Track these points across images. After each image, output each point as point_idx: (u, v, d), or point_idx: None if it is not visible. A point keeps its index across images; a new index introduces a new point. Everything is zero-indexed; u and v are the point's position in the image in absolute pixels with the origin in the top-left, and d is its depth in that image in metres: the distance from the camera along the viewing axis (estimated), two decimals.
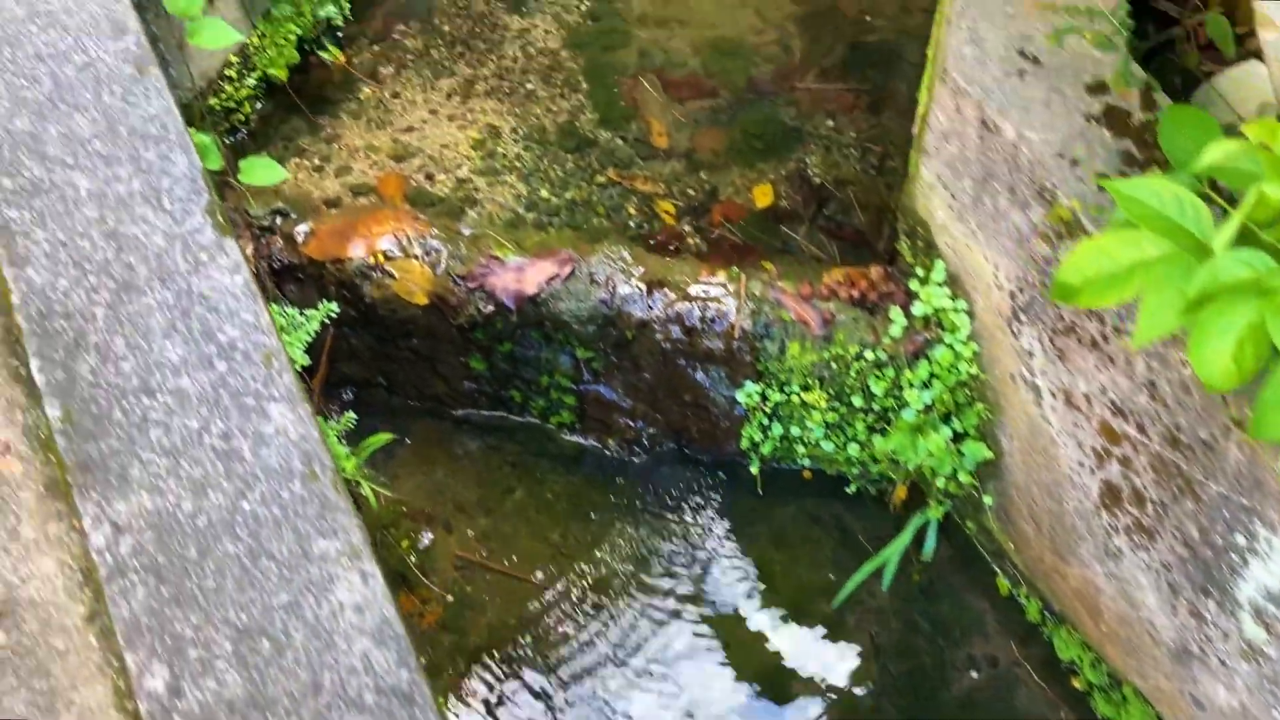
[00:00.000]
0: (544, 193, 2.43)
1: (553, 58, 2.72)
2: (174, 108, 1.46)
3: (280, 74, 2.38)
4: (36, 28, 1.50)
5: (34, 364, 1.25)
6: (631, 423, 2.26)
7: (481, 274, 2.07)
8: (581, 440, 2.34)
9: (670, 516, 2.30)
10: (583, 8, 2.83)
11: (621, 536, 2.29)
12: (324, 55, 2.55)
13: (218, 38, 1.89)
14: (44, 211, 1.35)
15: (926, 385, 1.92)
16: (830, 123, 2.58)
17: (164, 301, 1.30)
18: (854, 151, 2.52)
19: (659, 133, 2.56)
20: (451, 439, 2.42)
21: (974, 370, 1.88)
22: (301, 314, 2.01)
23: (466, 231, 2.14)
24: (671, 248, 2.34)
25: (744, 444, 2.16)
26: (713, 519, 2.30)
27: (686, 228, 2.40)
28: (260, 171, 2.01)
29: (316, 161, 2.45)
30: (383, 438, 2.06)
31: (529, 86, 2.65)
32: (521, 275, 2.07)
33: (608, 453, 2.34)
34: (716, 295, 2.03)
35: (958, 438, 1.97)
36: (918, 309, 1.91)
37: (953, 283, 1.88)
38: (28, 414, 1.33)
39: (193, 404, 1.24)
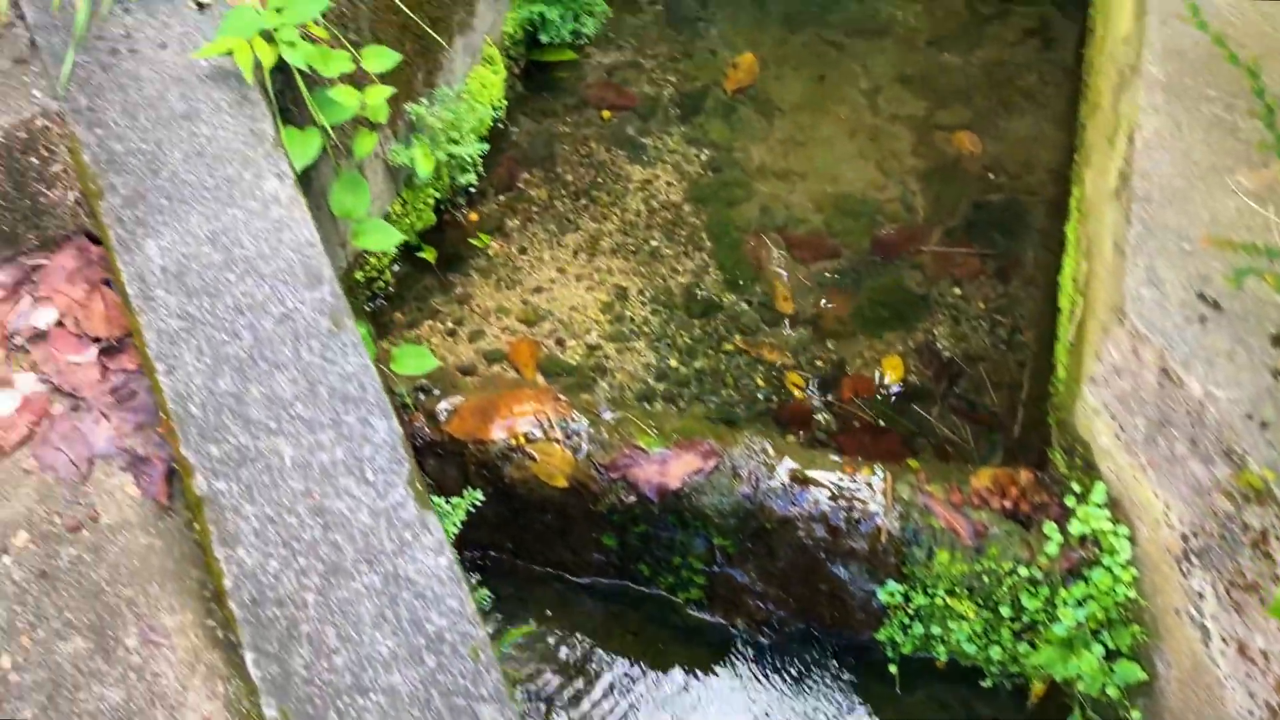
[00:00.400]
0: (673, 361, 2.44)
1: (675, 212, 2.73)
2: (370, 364, 1.48)
3: (429, 257, 2.43)
4: (234, 275, 1.53)
5: (249, 656, 1.26)
6: (762, 604, 2.25)
7: (624, 465, 2.07)
8: (708, 617, 2.33)
9: (797, 697, 2.28)
10: (702, 157, 2.85)
11: (747, 716, 2.27)
12: (463, 225, 2.59)
13: (382, 240, 1.92)
14: (251, 484, 1.36)
15: (1081, 604, 1.90)
16: (957, 290, 2.57)
17: (372, 587, 1.31)
18: (983, 323, 2.51)
19: (784, 297, 2.56)
20: (574, 604, 2.41)
21: (1132, 594, 1.85)
22: (447, 502, 2.03)
23: (608, 415, 2.15)
24: (803, 426, 2.34)
25: (881, 637, 2.13)
26: (840, 702, 2.27)
27: (816, 402, 2.39)
28: (411, 360, 2.03)
29: (450, 324, 2.47)
30: (524, 630, 2.06)
31: (653, 244, 2.66)
32: (665, 468, 2.07)
33: (734, 630, 2.32)
34: (863, 497, 2.02)
35: (1109, 655, 1.94)
36: (1074, 527, 1.89)
37: (1113, 506, 1.86)
38: (229, 684, 1.35)
39: (404, 703, 1.24)
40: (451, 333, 2.46)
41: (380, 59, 1.81)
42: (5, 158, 1.64)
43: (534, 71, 2.96)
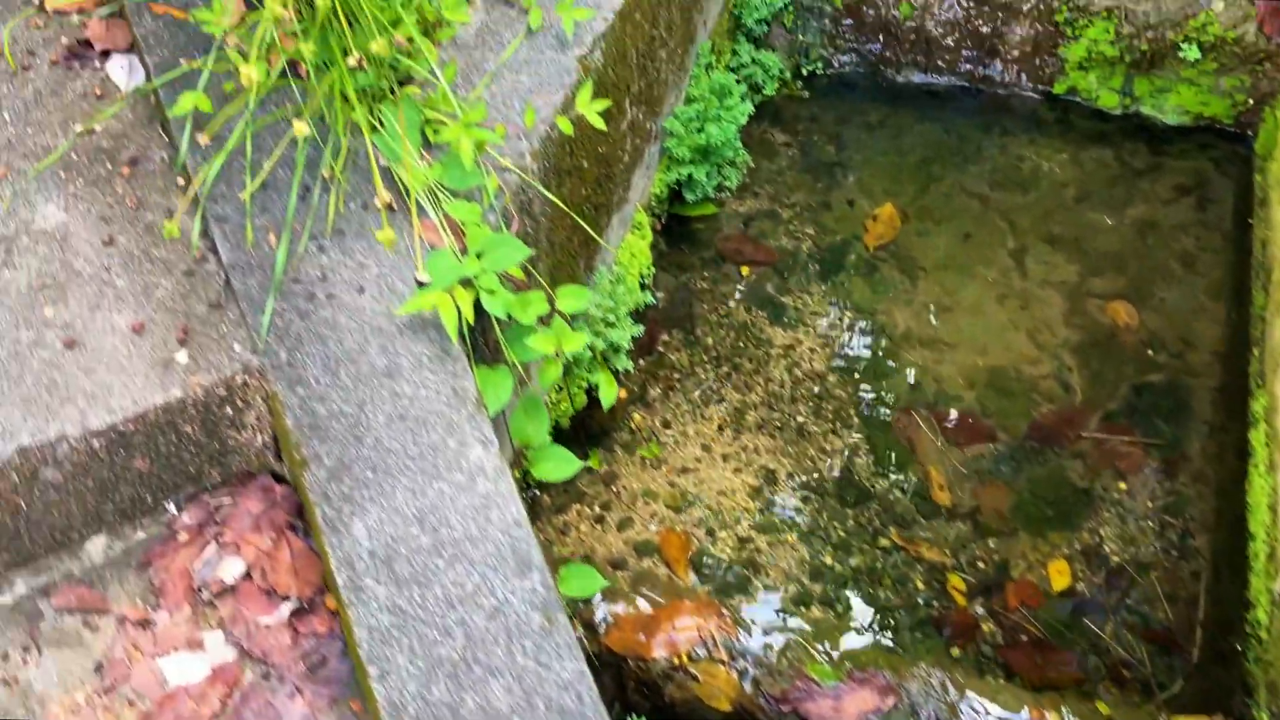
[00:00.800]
0: (827, 557, 2.35)
1: (820, 383, 2.65)
2: (586, 670, 1.41)
3: (595, 464, 2.39)
4: (443, 561, 1.47)
5: None
6: None
7: (796, 698, 1.99)
8: None
9: None
10: (844, 320, 2.76)
11: None
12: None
13: (561, 470, 1.86)
14: None
15: None
16: (1122, 485, 2.46)
17: None
18: (1151, 524, 2.40)
19: (939, 485, 2.47)
20: None
21: None
22: None
23: (774, 641, 2.07)
24: (968, 638, 2.24)
25: None
26: None
27: (979, 609, 2.29)
28: (578, 581, 1.96)
29: (597, 510, 2.40)
30: None
31: (799, 419, 2.58)
32: (839, 704, 1.99)
33: None
34: None
35: None
36: None
37: None
38: None
39: None
40: (599, 519, 2.39)
41: (575, 299, 1.75)
42: (202, 412, 1.60)
43: (672, 224, 2.90)
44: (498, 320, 1.70)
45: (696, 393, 2.62)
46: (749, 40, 3.04)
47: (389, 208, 1.69)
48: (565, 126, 1.80)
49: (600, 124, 1.78)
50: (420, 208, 1.69)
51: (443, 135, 1.69)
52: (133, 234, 1.73)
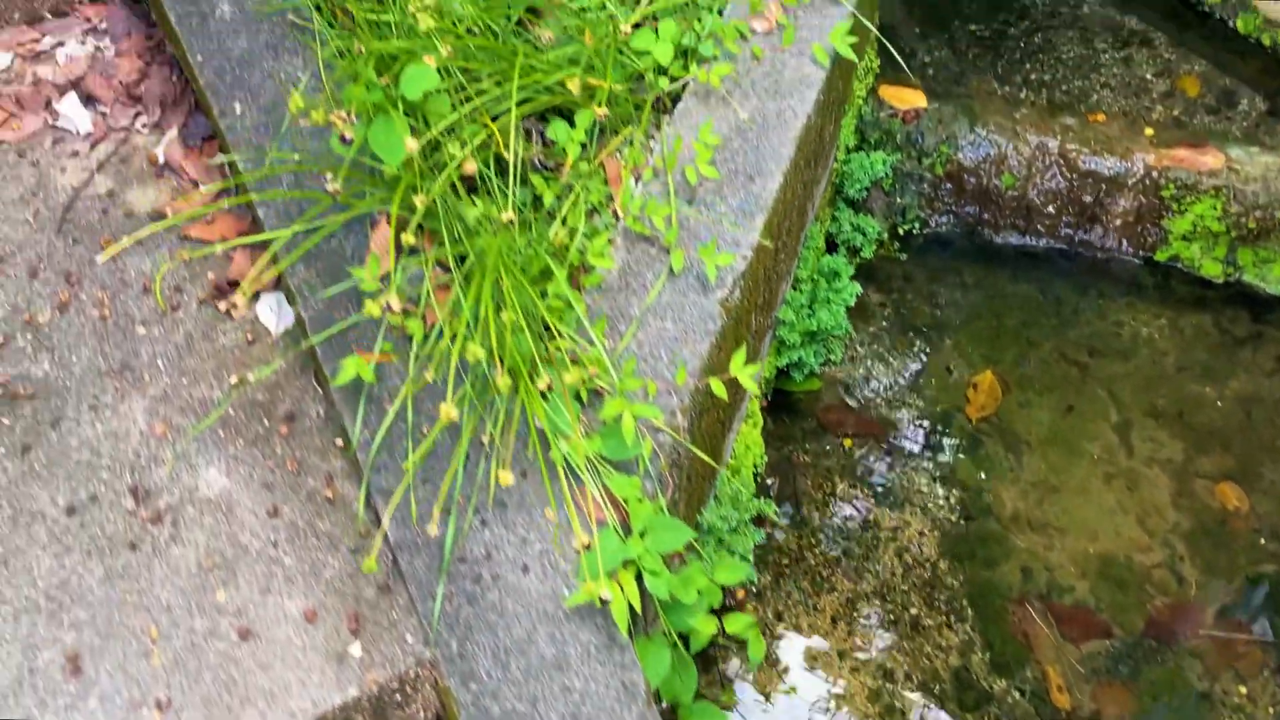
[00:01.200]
0: None
1: (931, 570, 2.64)
2: None
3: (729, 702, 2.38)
4: None
5: None
6: None
7: None
8: None
9: None
10: (950, 500, 2.76)
11: None
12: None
13: None
14: None
15: None
16: (1243, 689, 2.44)
17: None
18: None
19: (1057, 686, 2.45)
20: None
21: None
22: None
23: None
24: None
25: None
26: None
27: None
28: None
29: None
30: None
31: (913, 611, 2.57)
32: None
33: None
34: None
35: None
36: None
37: None
38: None
39: None
40: None
41: (734, 573, 1.76)
42: (374, 704, 1.61)
43: (776, 397, 2.90)
44: (659, 599, 1.70)
45: (806, 581, 2.62)
46: (848, 206, 3.06)
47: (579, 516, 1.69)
48: (719, 390, 1.81)
49: (754, 388, 1.79)
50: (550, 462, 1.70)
51: (605, 411, 1.70)
52: (296, 503, 1.75)
